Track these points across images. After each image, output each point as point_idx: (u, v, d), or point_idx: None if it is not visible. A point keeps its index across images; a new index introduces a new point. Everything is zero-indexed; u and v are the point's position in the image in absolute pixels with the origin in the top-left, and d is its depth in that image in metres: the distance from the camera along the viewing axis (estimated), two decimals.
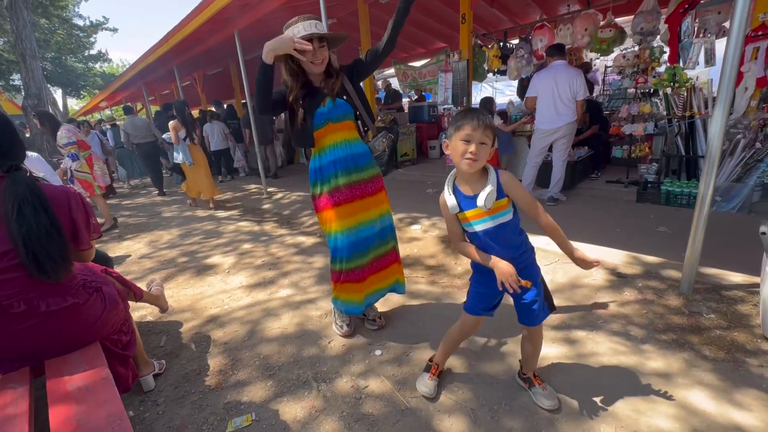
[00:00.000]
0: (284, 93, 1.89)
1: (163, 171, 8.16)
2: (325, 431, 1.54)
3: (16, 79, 16.96)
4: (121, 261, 3.77)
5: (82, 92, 21.76)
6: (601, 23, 5.35)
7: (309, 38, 1.73)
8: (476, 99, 8.18)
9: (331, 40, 1.87)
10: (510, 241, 1.40)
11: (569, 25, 5.58)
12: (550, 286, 2.47)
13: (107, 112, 18.79)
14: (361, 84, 2.06)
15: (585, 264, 1.40)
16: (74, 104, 26.50)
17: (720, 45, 3.74)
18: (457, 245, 1.50)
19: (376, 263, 2.07)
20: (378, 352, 1.99)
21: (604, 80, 7.83)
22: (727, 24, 4.09)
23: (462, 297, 2.23)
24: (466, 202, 1.38)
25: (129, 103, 13.47)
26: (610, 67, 6.51)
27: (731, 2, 1.98)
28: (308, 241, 3.80)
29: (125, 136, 7.47)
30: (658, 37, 4.84)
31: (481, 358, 1.88)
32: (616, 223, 3.48)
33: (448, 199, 1.40)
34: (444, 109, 7.95)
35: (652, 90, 4.67)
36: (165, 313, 2.53)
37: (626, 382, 1.64)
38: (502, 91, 13.22)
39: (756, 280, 2.21)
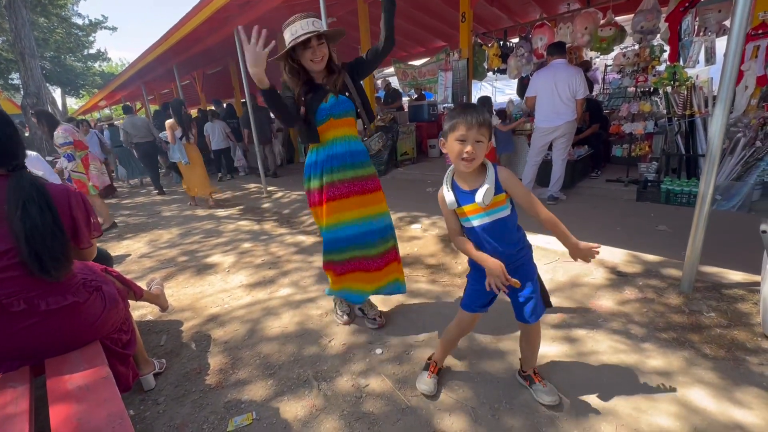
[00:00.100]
0: (292, 96, 1.89)
1: (160, 170, 8.18)
2: (326, 430, 1.54)
3: (15, 78, 16.95)
4: (121, 260, 3.77)
5: (81, 91, 21.75)
6: (601, 22, 5.35)
7: (308, 37, 1.73)
8: (476, 98, 8.17)
9: (330, 36, 1.88)
10: (507, 237, 1.40)
11: (569, 23, 5.58)
12: (550, 285, 2.49)
13: (106, 111, 18.77)
14: (361, 82, 2.07)
15: (588, 252, 1.36)
16: (73, 103, 26.47)
17: (720, 43, 3.75)
18: (454, 240, 1.50)
19: (374, 261, 2.07)
20: (378, 351, 1.99)
21: (604, 79, 7.82)
22: (727, 22, 4.10)
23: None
24: (464, 197, 1.39)
25: (128, 103, 13.46)
26: (610, 65, 6.50)
27: (731, 0, 1.97)
28: (308, 240, 3.80)
29: (124, 135, 7.48)
30: (659, 35, 4.84)
31: (482, 356, 1.88)
32: (616, 221, 3.48)
33: (447, 195, 1.40)
34: (444, 108, 7.96)
35: (652, 89, 4.68)
36: (165, 312, 2.53)
37: (626, 381, 1.64)
38: (502, 90, 13.21)
39: (756, 278, 2.21)
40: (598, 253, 1.36)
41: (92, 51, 20.92)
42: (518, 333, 1.62)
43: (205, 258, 3.59)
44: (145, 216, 5.76)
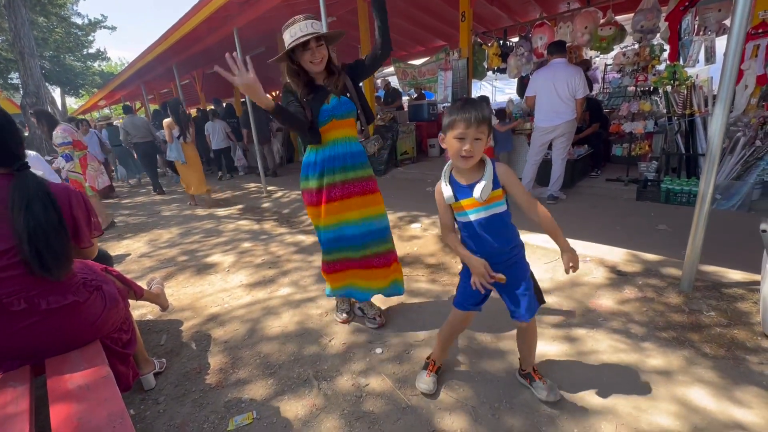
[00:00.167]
0: (296, 100, 1.89)
1: (159, 170, 8.20)
2: (326, 429, 1.54)
3: (15, 77, 16.91)
4: (121, 260, 3.77)
5: (80, 91, 21.72)
6: (601, 21, 5.35)
7: (307, 38, 1.74)
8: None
9: (329, 38, 1.89)
10: (503, 232, 1.42)
11: (569, 22, 5.58)
12: (550, 284, 2.49)
13: (106, 110, 18.75)
14: (360, 84, 2.08)
15: (574, 260, 1.39)
16: (73, 103, 26.45)
17: (720, 43, 3.75)
18: (445, 235, 1.51)
19: (371, 260, 2.08)
20: (378, 351, 1.99)
21: (604, 78, 7.82)
22: (727, 21, 4.10)
23: None
24: (462, 191, 1.39)
25: (128, 102, 13.45)
26: (610, 65, 6.50)
27: (731, 0, 1.97)
28: (308, 239, 3.80)
29: (124, 134, 7.48)
30: (658, 34, 4.84)
31: (482, 356, 1.89)
32: (616, 221, 3.48)
33: (445, 189, 1.41)
34: (443, 107, 7.95)
35: (652, 88, 4.68)
36: (165, 312, 2.53)
37: (626, 380, 1.64)
38: (501, 89, 13.22)
39: (756, 277, 2.22)
40: (578, 268, 1.40)
41: (92, 50, 20.88)
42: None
43: (205, 257, 3.59)
44: (145, 215, 5.76)
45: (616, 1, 5.32)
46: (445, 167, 1.45)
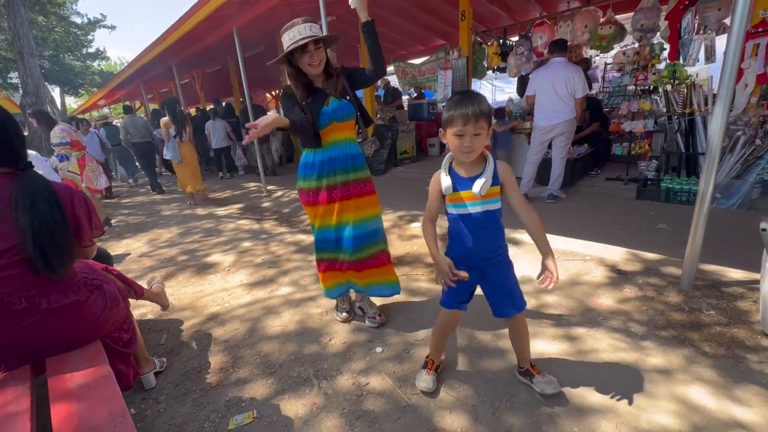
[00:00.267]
0: (297, 105, 1.91)
1: (157, 169, 8.23)
2: (327, 428, 1.54)
3: (14, 77, 16.88)
4: (121, 259, 3.77)
5: (80, 90, 21.69)
6: (601, 20, 5.35)
7: (305, 41, 1.76)
8: None
9: (328, 41, 1.91)
10: (494, 229, 1.44)
11: (569, 21, 5.57)
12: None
13: (105, 110, 18.72)
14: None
15: (551, 275, 1.35)
16: (72, 102, 26.42)
17: (720, 42, 3.75)
18: (425, 223, 1.51)
19: (366, 261, 2.09)
20: (379, 350, 1.99)
21: (603, 77, 7.82)
22: (727, 21, 4.09)
23: None
24: (461, 182, 1.40)
25: (128, 102, 13.43)
26: (610, 64, 6.50)
27: None
28: (308, 239, 3.80)
29: (124, 133, 7.50)
30: (658, 34, 4.84)
31: (482, 355, 1.89)
32: (615, 220, 3.48)
33: (444, 179, 1.41)
34: (443, 107, 7.94)
35: (652, 87, 4.68)
36: (166, 311, 2.53)
37: (626, 379, 1.64)
38: (501, 88, 13.22)
39: (756, 276, 2.22)
40: (547, 286, 1.35)
41: (91, 50, 20.86)
42: None
43: (205, 257, 3.59)
44: (145, 215, 5.75)
45: (616, 0, 5.32)
46: (446, 158, 1.46)
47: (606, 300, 2.25)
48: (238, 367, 1.96)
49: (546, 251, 1.39)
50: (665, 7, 4.52)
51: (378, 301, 2.37)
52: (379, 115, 7.12)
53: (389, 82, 9.79)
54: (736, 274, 2.30)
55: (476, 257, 1.46)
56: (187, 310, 2.61)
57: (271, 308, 2.52)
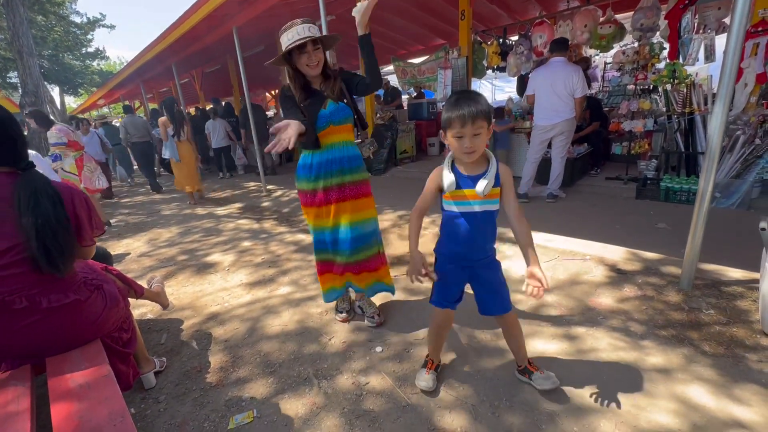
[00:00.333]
0: (296, 105, 1.90)
1: (156, 169, 8.24)
2: (327, 427, 1.54)
3: (13, 76, 16.85)
4: (121, 259, 3.77)
5: (79, 90, 21.66)
6: (601, 19, 5.34)
7: (303, 41, 1.75)
8: None
9: (326, 42, 1.90)
10: (490, 230, 1.45)
11: (569, 21, 5.57)
12: (550, 283, 2.48)
13: (105, 109, 18.71)
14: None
15: (537, 285, 1.33)
16: (72, 102, 26.39)
17: (720, 41, 3.74)
18: (414, 215, 1.51)
19: (364, 264, 2.10)
20: (378, 349, 2.00)
21: (603, 76, 7.81)
22: (727, 20, 4.09)
23: None
24: (462, 180, 1.40)
25: (127, 102, 13.42)
26: (610, 63, 6.50)
27: None
28: (307, 238, 3.80)
29: (124, 132, 7.50)
30: (658, 33, 4.83)
31: (481, 354, 1.89)
32: (615, 219, 3.48)
33: (447, 176, 1.40)
34: (443, 106, 7.94)
35: (651, 86, 4.67)
36: (166, 311, 2.53)
37: (626, 378, 1.65)
38: (501, 88, 13.21)
39: (755, 275, 2.22)
40: (535, 293, 1.33)
41: (90, 49, 20.81)
42: None
43: (204, 257, 3.59)
44: (145, 215, 5.75)
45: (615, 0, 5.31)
46: (448, 156, 1.46)
47: (606, 299, 2.25)
48: (238, 367, 1.96)
49: (533, 261, 1.37)
50: (665, 7, 4.52)
51: (377, 300, 2.37)
52: (378, 115, 7.11)
53: (389, 81, 9.78)
54: (735, 273, 2.31)
55: (470, 257, 1.47)
56: (187, 309, 2.61)
57: (271, 308, 2.52)
